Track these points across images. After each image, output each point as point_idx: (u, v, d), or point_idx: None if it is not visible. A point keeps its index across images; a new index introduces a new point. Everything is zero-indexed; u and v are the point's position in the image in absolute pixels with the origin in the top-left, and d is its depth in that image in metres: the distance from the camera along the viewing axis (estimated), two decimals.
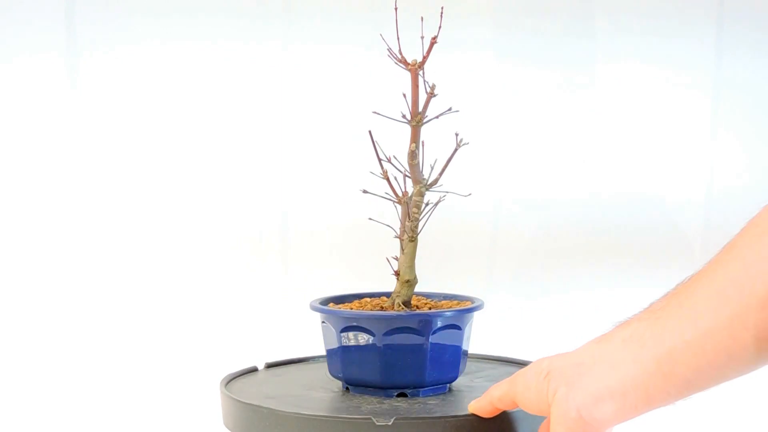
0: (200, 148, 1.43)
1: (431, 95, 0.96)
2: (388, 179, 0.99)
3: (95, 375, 1.35)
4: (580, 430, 0.76)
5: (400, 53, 0.95)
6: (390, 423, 0.87)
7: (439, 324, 0.96)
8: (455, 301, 1.05)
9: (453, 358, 0.99)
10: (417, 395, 0.98)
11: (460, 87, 1.40)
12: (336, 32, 1.39)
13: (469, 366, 1.07)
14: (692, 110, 1.45)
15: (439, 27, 0.93)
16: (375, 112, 0.94)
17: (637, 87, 1.45)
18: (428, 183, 0.98)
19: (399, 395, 0.98)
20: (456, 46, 1.40)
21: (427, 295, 1.07)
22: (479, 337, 1.09)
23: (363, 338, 0.97)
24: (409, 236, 0.99)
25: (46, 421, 1.25)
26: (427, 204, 0.99)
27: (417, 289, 1.05)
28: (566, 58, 1.44)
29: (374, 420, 0.87)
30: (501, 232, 1.46)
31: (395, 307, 1.00)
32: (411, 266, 1.00)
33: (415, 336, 0.95)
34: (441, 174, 0.99)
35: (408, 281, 1.00)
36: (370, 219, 1.01)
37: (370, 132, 0.95)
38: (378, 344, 0.96)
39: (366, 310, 1.01)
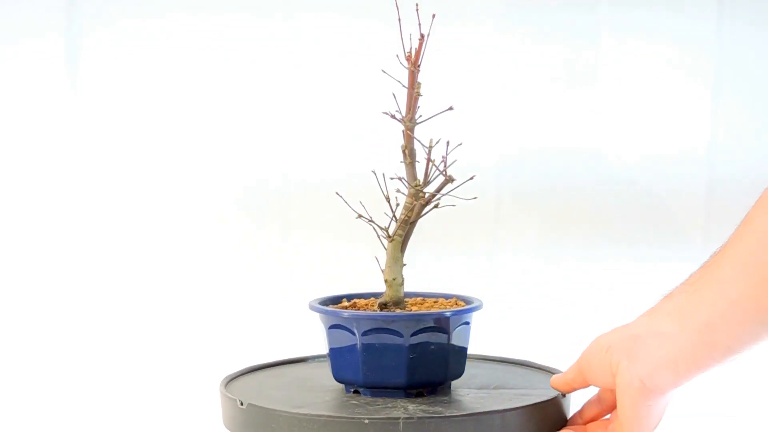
0: (199, 138, 1.41)
1: (417, 95, 0.96)
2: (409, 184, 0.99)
3: (95, 375, 1.35)
4: (643, 396, 0.85)
5: (405, 53, 0.94)
6: (396, 422, 0.87)
7: (418, 326, 0.96)
8: (451, 301, 1.05)
9: (439, 360, 0.98)
10: (401, 396, 0.98)
11: (460, 61, 1.39)
12: (337, 4, 1.38)
13: (470, 366, 1.07)
14: (693, 85, 1.44)
15: (422, 35, 0.92)
16: (385, 113, 0.95)
17: (637, 58, 1.43)
18: (420, 185, 0.98)
19: (388, 395, 0.98)
20: (456, 17, 1.39)
21: (426, 295, 1.07)
22: (480, 337, 1.09)
23: (346, 338, 0.98)
24: (389, 236, 1.00)
25: (46, 421, 1.25)
26: (425, 205, 0.99)
27: (420, 288, 1.05)
28: (567, 32, 1.43)
29: (371, 420, 0.87)
30: (503, 214, 1.45)
31: (370, 307, 1.02)
32: (391, 267, 1.00)
33: (394, 337, 0.96)
34: (426, 177, 0.98)
35: (386, 281, 1.01)
36: (357, 218, 1.01)
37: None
38: (358, 344, 0.97)
39: (349, 310, 1.01)
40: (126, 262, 1.41)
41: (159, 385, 1.33)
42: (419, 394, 0.98)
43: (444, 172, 0.97)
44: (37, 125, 1.41)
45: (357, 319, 0.97)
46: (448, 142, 0.97)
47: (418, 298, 1.07)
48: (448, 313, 0.98)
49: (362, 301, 1.06)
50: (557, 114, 1.45)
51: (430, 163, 0.98)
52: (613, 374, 0.86)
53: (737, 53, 1.43)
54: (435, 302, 1.05)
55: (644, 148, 1.45)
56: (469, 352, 1.04)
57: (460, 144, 0.96)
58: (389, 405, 0.94)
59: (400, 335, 0.96)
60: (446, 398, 0.98)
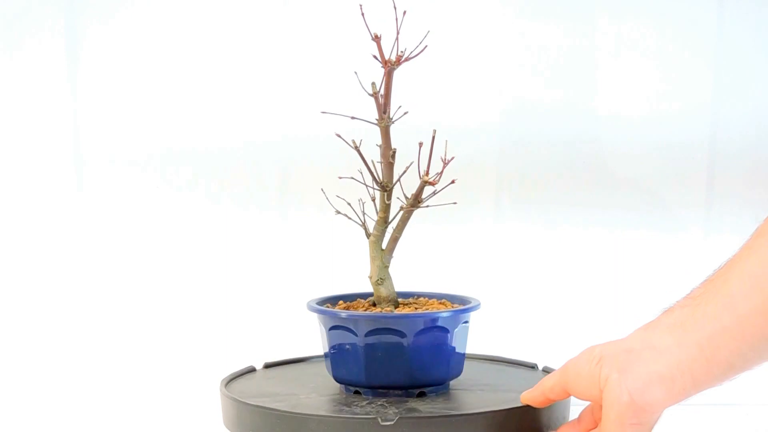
0: (193, 127, 1.39)
1: (376, 95, 0.96)
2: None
3: (95, 375, 1.35)
4: (631, 413, 0.79)
5: (380, 53, 0.94)
6: (393, 422, 0.88)
7: (373, 327, 0.96)
8: (444, 302, 1.06)
9: (436, 360, 0.98)
10: (399, 396, 0.98)
11: (453, 32, 1.37)
12: None
13: (468, 366, 1.07)
14: (695, 43, 1.40)
15: (376, 35, 0.92)
16: (354, 117, 0.95)
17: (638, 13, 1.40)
18: (389, 188, 0.99)
19: (386, 395, 0.98)
20: None
21: (426, 295, 1.08)
22: (479, 337, 1.09)
23: (342, 337, 0.99)
24: (367, 235, 1.01)
25: (47, 421, 1.25)
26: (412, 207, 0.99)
27: (421, 287, 1.07)
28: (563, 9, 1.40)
29: (379, 419, 0.88)
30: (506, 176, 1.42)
31: (355, 307, 1.03)
32: (372, 266, 1.01)
33: (395, 336, 0.96)
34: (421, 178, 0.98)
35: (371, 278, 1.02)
36: (336, 214, 1.02)
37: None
38: (355, 344, 0.98)
39: (340, 309, 1.02)
40: (125, 263, 1.41)
41: (159, 385, 1.33)
42: (417, 394, 0.99)
43: (440, 176, 0.97)
44: (35, 110, 1.39)
45: (353, 319, 0.98)
46: (421, 144, 0.96)
47: (422, 298, 1.07)
48: (445, 314, 0.99)
49: (362, 301, 1.06)
50: (554, 78, 1.41)
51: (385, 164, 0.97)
52: (601, 388, 0.81)
53: (740, 7, 1.40)
54: (415, 300, 1.06)
55: (644, 105, 1.41)
56: (468, 351, 1.04)
57: (453, 158, 0.96)
58: (387, 405, 0.95)
59: (403, 335, 0.96)
60: (444, 398, 0.98)
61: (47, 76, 1.39)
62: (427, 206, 0.98)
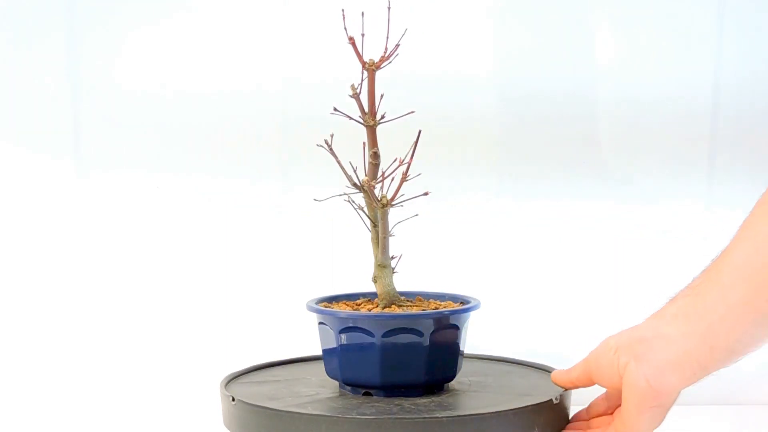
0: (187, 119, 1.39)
1: (356, 96, 0.96)
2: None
3: (95, 375, 1.36)
4: (650, 397, 0.86)
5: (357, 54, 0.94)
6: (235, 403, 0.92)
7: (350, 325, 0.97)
8: (446, 303, 1.06)
9: (434, 360, 0.99)
10: (397, 395, 0.98)
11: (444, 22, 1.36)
12: None
13: (468, 365, 1.07)
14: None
15: (351, 38, 0.92)
16: (336, 111, 0.96)
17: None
18: (365, 188, 0.99)
19: (386, 395, 0.98)
20: None
21: (426, 295, 1.08)
22: (479, 337, 1.09)
23: (333, 336, 0.99)
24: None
25: (47, 421, 1.25)
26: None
27: (425, 287, 1.07)
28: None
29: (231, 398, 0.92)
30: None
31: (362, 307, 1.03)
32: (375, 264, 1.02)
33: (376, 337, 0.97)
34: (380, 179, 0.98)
35: None
36: (359, 208, 1.02)
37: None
38: (343, 343, 0.98)
39: (345, 310, 1.02)
40: (125, 261, 1.41)
41: (159, 385, 1.34)
42: (416, 394, 0.99)
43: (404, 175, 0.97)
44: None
45: (352, 318, 0.98)
46: (364, 143, 0.96)
47: (425, 299, 1.07)
48: (445, 313, 0.99)
49: (362, 300, 1.06)
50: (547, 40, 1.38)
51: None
52: (621, 375, 0.88)
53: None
54: (413, 301, 1.06)
55: (644, 70, 1.38)
56: (467, 351, 1.04)
57: (410, 163, 0.96)
58: (385, 404, 0.95)
59: (372, 335, 0.96)
60: (443, 399, 0.98)
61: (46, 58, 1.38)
62: (393, 206, 0.99)
